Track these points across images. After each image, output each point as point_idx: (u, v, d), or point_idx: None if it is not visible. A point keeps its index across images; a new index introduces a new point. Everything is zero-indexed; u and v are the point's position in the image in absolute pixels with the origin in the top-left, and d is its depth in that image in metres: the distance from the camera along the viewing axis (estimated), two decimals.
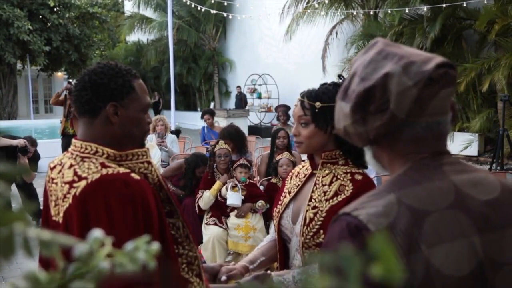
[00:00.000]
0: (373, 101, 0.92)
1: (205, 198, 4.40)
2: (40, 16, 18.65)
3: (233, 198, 4.35)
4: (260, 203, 4.40)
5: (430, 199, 0.88)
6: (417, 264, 0.83)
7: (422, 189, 0.90)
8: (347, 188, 1.70)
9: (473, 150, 10.32)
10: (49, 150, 6.17)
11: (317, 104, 1.69)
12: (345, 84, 0.98)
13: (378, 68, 0.94)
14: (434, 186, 0.90)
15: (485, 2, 10.01)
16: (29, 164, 5.55)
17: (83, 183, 1.28)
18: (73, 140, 1.41)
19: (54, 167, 1.41)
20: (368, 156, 1.03)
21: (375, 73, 0.93)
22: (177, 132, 7.81)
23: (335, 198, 1.69)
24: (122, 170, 1.32)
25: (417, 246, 0.84)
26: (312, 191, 1.74)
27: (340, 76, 1.82)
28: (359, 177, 1.71)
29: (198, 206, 4.47)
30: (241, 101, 17.54)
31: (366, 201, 0.91)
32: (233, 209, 4.40)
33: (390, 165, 0.98)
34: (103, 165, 1.32)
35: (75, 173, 1.31)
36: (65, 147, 7.59)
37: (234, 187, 4.42)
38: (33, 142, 5.74)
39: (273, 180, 4.66)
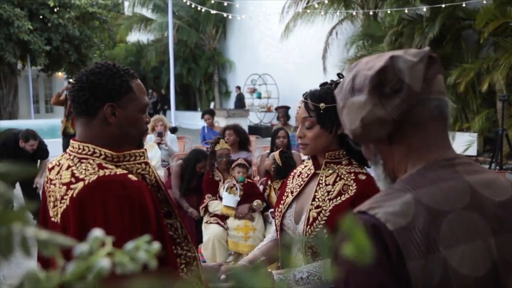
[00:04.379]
0: (387, 82, 0.92)
1: (214, 207, 4.40)
2: (41, 16, 18.63)
3: (229, 200, 4.35)
4: (255, 202, 4.40)
5: (447, 200, 0.88)
6: (435, 264, 0.83)
7: (438, 189, 0.89)
8: (350, 187, 1.69)
9: (472, 150, 10.32)
10: (50, 149, 6.13)
11: (322, 105, 1.68)
12: (349, 86, 0.98)
13: (379, 59, 0.96)
14: (449, 186, 0.90)
15: (484, 2, 10.00)
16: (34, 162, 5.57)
17: (80, 185, 1.28)
18: (71, 141, 1.41)
19: (53, 168, 1.41)
20: (378, 171, 1.02)
21: (379, 61, 0.95)
22: (173, 130, 7.79)
23: (338, 197, 1.69)
24: (119, 171, 1.32)
25: (435, 246, 0.84)
26: (316, 191, 1.74)
27: (340, 75, 1.82)
28: (362, 177, 1.71)
29: (204, 209, 4.46)
30: (240, 101, 17.54)
31: (381, 200, 0.90)
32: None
33: (400, 165, 0.97)
34: (100, 166, 1.31)
35: (73, 175, 1.31)
36: (66, 147, 7.57)
37: (231, 187, 4.42)
38: (34, 136, 5.43)
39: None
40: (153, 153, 5.43)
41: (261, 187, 4.93)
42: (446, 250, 0.84)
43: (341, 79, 1.77)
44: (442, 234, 0.85)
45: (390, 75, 0.92)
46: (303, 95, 1.77)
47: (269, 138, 5.89)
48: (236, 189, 4.41)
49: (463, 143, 10.26)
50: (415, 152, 0.95)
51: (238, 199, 4.37)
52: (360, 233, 0.39)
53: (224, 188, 4.41)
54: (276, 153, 4.61)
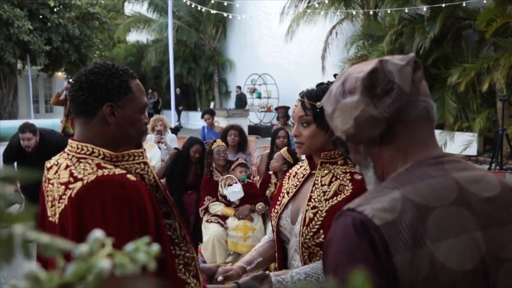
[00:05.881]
0: (378, 83, 0.95)
1: (215, 209, 4.40)
2: (40, 16, 18.61)
3: (234, 193, 4.33)
4: (260, 205, 4.40)
5: (434, 195, 0.90)
6: (422, 258, 0.84)
7: (425, 186, 0.91)
8: (346, 188, 1.70)
9: (472, 150, 10.32)
10: None
11: (318, 104, 1.69)
12: (339, 90, 1.01)
13: (368, 64, 0.99)
14: (437, 182, 0.92)
15: (485, 1, 10.00)
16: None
17: (78, 185, 1.28)
18: (70, 141, 1.40)
19: (51, 167, 1.40)
20: (369, 174, 1.03)
21: (368, 65, 0.98)
22: (176, 130, 7.81)
23: (334, 198, 1.69)
24: (118, 171, 1.32)
25: (422, 241, 0.85)
26: (311, 191, 1.74)
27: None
28: (358, 177, 1.71)
29: (204, 211, 4.46)
30: (241, 100, 17.54)
31: (370, 197, 0.92)
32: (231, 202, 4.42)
33: (389, 166, 0.99)
34: (99, 166, 1.31)
35: (71, 174, 1.31)
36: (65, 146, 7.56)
37: (230, 185, 4.41)
38: (30, 129, 4.73)
39: (270, 172, 4.63)
40: (152, 153, 5.43)
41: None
42: (433, 244, 0.85)
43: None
44: (429, 229, 0.86)
45: (381, 76, 0.95)
46: (300, 94, 1.77)
47: (269, 138, 5.89)
48: (236, 182, 4.42)
49: (463, 143, 10.26)
50: (404, 152, 0.97)
51: (241, 187, 4.36)
52: None
53: (222, 185, 4.40)
54: (284, 152, 4.50)
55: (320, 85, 1.79)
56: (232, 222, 4.32)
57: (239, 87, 18.05)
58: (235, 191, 4.32)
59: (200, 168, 4.90)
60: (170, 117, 13.58)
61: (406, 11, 11.32)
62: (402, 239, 0.85)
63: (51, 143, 4.83)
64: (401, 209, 0.87)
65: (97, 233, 0.41)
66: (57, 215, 1.32)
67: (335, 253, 0.89)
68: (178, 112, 19.30)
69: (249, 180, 4.59)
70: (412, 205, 0.88)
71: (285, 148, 4.65)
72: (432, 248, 0.85)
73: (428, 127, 0.98)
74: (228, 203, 4.44)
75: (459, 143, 10.24)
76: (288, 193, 1.85)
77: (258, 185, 4.87)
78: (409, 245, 0.85)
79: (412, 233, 0.85)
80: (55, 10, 18.67)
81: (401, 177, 0.94)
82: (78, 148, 1.36)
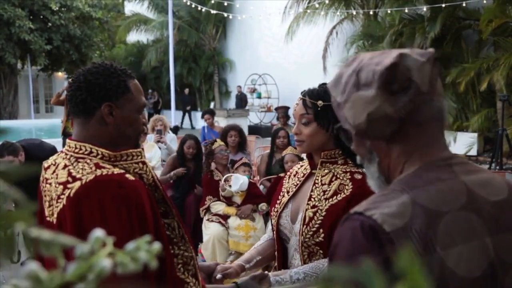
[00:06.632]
0: (396, 80, 0.90)
1: (216, 208, 4.40)
2: (41, 16, 18.63)
3: (241, 184, 4.30)
4: (264, 206, 4.39)
5: (443, 200, 0.88)
6: (432, 266, 0.83)
7: (434, 190, 0.89)
8: (346, 187, 1.70)
9: (472, 150, 10.32)
10: None
11: (319, 102, 1.69)
12: (353, 80, 0.95)
13: (386, 55, 0.94)
14: (446, 186, 0.90)
15: (485, 1, 10.01)
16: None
17: (77, 184, 1.27)
18: (68, 140, 1.40)
19: (48, 167, 1.40)
20: (372, 169, 1.00)
21: (387, 57, 0.92)
22: (175, 129, 7.81)
23: (334, 197, 1.70)
24: (116, 170, 1.32)
25: (433, 247, 0.83)
26: (312, 190, 1.74)
27: None
28: (358, 177, 1.71)
29: (205, 211, 4.46)
30: (241, 100, 17.53)
31: (378, 201, 0.89)
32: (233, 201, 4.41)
33: (396, 164, 0.96)
34: (97, 166, 1.31)
35: (69, 174, 1.31)
36: None
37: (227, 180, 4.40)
38: (10, 150, 3.98)
39: (282, 174, 4.59)
40: (152, 153, 5.43)
41: (261, 187, 4.92)
42: (443, 251, 0.84)
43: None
44: (439, 235, 0.84)
45: (400, 72, 0.90)
46: (302, 92, 1.77)
47: (269, 138, 5.88)
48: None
49: (465, 144, 10.26)
50: (413, 152, 0.95)
51: (238, 175, 4.35)
52: (417, 271, 0.35)
53: (225, 187, 4.39)
54: (291, 150, 4.44)
55: (322, 85, 1.79)
56: (233, 221, 4.32)
57: (240, 87, 18.05)
58: (241, 183, 4.29)
59: (197, 167, 4.88)
60: (170, 117, 13.59)
61: (406, 11, 11.33)
62: (413, 246, 0.83)
63: (38, 159, 3.71)
64: (411, 214, 0.85)
65: (98, 232, 0.41)
66: (55, 215, 1.31)
67: (343, 257, 0.87)
68: (186, 112, 19.32)
69: (250, 180, 4.59)
70: (421, 210, 0.85)
71: (289, 147, 4.64)
72: (442, 255, 0.83)
73: (439, 128, 0.95)
74: (229, 203, 4.44)
75: (460, 144, 10.24)
76: (288, 192, 1.86)
77: (262, 184, 4.86)
78: (420, 252, 0.83)
79: (422, 239, 0.83)
80: (55, 10, 18.70)
81: (410, 179, 0.92)
82: (76, 148, 1.36)
